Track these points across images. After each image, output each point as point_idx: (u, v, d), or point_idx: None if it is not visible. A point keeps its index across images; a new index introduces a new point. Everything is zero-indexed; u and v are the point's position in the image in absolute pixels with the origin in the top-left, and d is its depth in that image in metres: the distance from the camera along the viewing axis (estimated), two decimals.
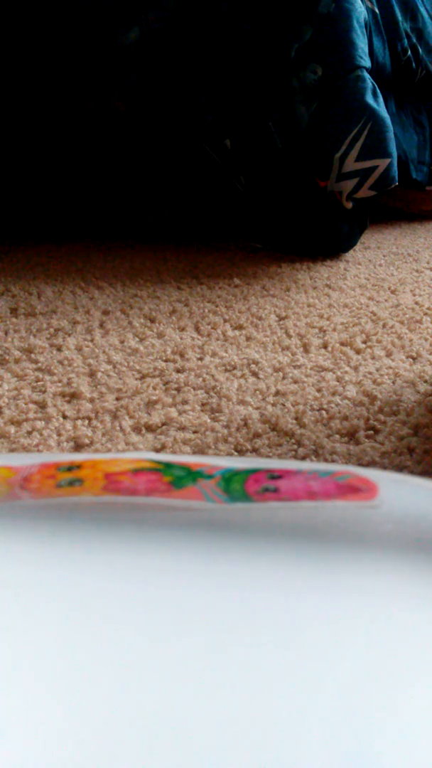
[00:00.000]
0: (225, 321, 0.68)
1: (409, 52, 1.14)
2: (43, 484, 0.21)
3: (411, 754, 0.12)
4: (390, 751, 0.12)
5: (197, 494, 0.20)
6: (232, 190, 1.00)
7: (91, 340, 0.62)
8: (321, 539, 0.18)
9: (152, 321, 0.68)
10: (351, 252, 1.01)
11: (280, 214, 0.99)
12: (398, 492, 0.22)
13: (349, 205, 0.95)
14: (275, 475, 0.22)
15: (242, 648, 0.14)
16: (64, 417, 0.47)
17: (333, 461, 0.41)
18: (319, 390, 0.51)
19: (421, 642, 0.14)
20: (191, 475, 0.21)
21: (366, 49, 0.96)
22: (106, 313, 0.71)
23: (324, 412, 0.47)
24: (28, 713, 0.12)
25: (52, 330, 0.65)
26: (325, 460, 0.41)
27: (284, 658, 0.14)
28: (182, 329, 0.66)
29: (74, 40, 0.96)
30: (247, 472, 0.22)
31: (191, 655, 0.14)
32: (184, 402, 0.49)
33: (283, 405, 0.48)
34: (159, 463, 0.22)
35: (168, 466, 0.22)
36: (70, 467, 0.22)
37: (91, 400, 0.49)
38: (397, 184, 0.93)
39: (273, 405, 0.48)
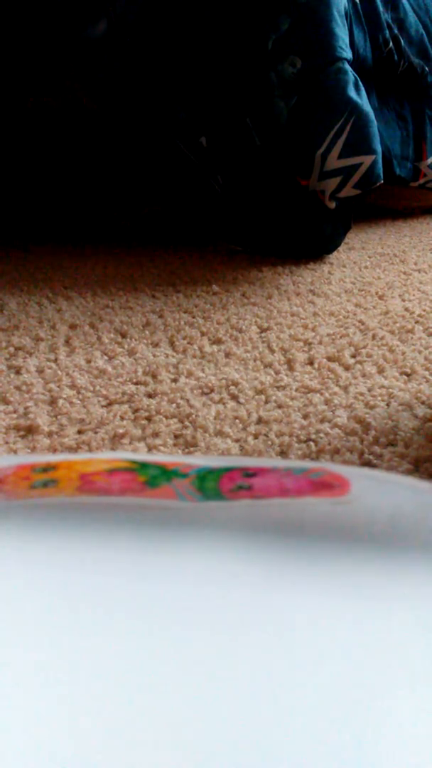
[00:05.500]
0: (202, 334, 0.63)
1: (391, 44, 1.09)
2: (17, 485, 0.21)
3: (404, 754, 0.12)
4: (383, 750, 0.12)
5: (171, 493, 0.20)
6: (210, 190, 0.94)
7: (55, 360, 0.57)
8: (293, 536, 0.18)
9: (123, 336, 0.63)
10: (335, 253, 0.97)
11: (260, 215, 0.93)
12: (370, 488, 0.22)
13: (333, 204, 0.90)
14: (250, 473, 0.22)
15: (221, 646, 0.13)
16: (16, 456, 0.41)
17: None
18: (305, 416, 0.46)
19: (391, 637, 0.14)
20: (166, 474, 0.21)
21: (347, 40, 0.91)
22: (73, 327, 0.65)
23: (312, 443, 0.42)
24: (10, 720, 0.12)
25: (11, 349, 0.59)
26: None
27: (266, 656, 0.13)
28: (155, 345, 0.60)
29: (37, 34, 0.90)
30: (221, 471, 0.22)
31: (168, 654, 0.13)
32: (155, 434, 0.43)
33: (266, 436, 0.43)
34: (135, 462, 0.22)
35: (143, 465, 0.22)
36: (46, 468, 0.22)
37: (49, 435, 0.43)
38: (382, 182, 0.88)
39: (255, 437, 0.43)
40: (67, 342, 0.61)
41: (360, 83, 0.89)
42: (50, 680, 0.13)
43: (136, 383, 0.52)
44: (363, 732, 0.12)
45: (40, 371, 0.54)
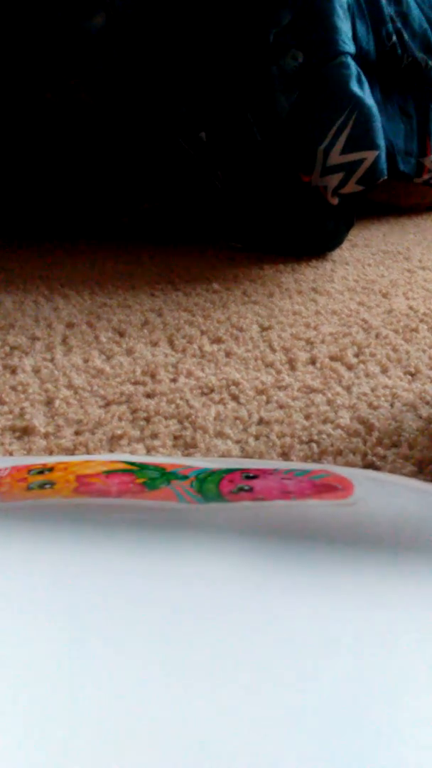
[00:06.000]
0: (202, 333, 0.62)
1: (394, 38, 1.08)
2: (13, 486, 0.20)
3: (405, 756, 0.11)
4: (384, 752, 0.11)
5: (170, 495, 0.20)
6: (210, 186, 0.93)
7: (51, 360, 0.55)
8: (295, 538, 0.17)
9: (121, 335, 0.62)
10: (338, 251, 0.95)
11: (261, 211, 0.92)
12: (374, 490, 0.21)
13: (335, 200, 0.89)
14: (251, 475, 0.21)
15: (221, 648, 0.13)
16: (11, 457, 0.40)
17: None
18: (307, 417, 0.45)
19: (394, 639, 0.14)
20: (165, 476, 0.21)
21: (350, 34, 0.90)
22: (70, 326, 0.64)
23: (314, 444, 0.41)
24: (10, 720, 0.12)
25: (7, 348, 0.58)
26: None
27: (266, 658, 0.13)
28: (154, 344, 0.59)
29: (32, 26, 0.89)
30: (222, 473, 0.22)
31: (168, 656, 0.13)
32: (154, 435, 0.42)
33: (267, 437, 0.42)
34: (133, 464, 0.22)
35: (142, 467, 0.22)
36: (42, 470, 0.22)
37: (46, 436, 0.42)
38: (386, 177, 0.87)
39: (256, 438, 0.42)
40: (63, 341, 0.60)
41: (363, 77, 0.88)
42: (50, 681, 0.13)
43: (135, 383, 0.51)
44: (364, 734, 0.12)
45: (37, 371, 0.53)
